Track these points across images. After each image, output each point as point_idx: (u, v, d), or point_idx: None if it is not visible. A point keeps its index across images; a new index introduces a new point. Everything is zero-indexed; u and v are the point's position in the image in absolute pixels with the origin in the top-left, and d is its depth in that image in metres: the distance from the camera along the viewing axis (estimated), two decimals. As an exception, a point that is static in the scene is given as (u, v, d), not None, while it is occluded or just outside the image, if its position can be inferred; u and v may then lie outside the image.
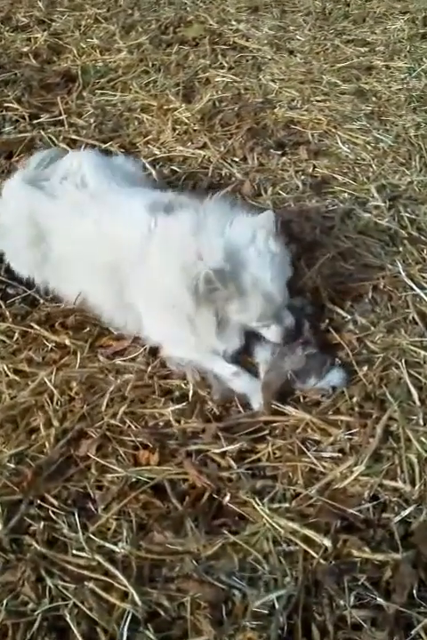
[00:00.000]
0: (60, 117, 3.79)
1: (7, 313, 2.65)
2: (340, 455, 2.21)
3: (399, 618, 1.80)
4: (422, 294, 2.78)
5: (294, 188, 3.39)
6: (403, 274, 2.86)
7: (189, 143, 3.68)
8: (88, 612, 1.80)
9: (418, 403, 2.37)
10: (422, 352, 2.54)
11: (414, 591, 1.84)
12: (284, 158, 3.60)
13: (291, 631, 1.77)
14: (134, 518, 2.02)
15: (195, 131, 3.76)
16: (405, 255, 3.00)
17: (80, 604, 1.81)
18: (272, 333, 2.43)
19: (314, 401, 2.38)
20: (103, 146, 3.54)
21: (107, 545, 1.95)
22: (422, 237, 3.12)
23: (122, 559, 1.92)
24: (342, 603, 1.82)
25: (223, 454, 2.20)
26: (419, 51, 4.71)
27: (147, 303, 2.48)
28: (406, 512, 2.04)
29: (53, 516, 2.01)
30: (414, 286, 2.81)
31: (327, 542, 1.94)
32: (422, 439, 2.24)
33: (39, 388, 2.38)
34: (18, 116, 3.79)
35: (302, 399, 2.39)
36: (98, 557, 1.91)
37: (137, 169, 3.06)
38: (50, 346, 2.55)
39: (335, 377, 2.42)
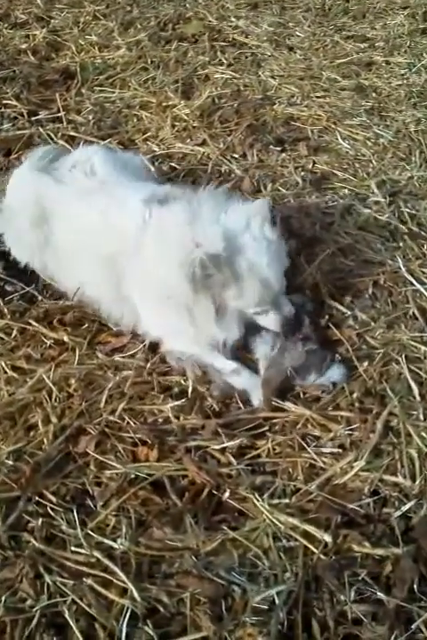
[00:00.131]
0: (59, 114, 3.78)
1: (5, 310, 2.65)
2: (340, 451, 2.20)
3: (400, 612, 1.79)
4: (423, 290, 2.77)
5: (294, 184, 3.38)
6: (403, 269, 2.85)
7: (189, 140, 3.67)
8: (87, 608, 1.79)
9: (418, 398, 2.36)
10: (423, 347, 2.53)
11: (415, 586, 1.84)
12: (283, 154, 3.59)
13: (291, 627, 1.77)
14: (133, 514, 2.01)
15: (194, 127, 3.76)
16: (405, 251, 3.00)
17: (79, 601, 1.81)
18: (271, 321, 2.41)
19: (314, 397, 2.37)
20: (102, 143, 3.52)
21: (106, 541, 1.95)
22: (423, 233, 3.11)
23: (121, 555, 1.91)
24: (342, 598, 1.82)
25: (223, 450, 2.19)
26: (419, 46, 4.70)
27: (143, 295, 2.48)
28: (407, 507, 2.03)
29: (52, 513, 2.01)
30: (415, 282, 2.80)
31: (328, 538, 1.93)
32: (423, 434, 2.23)
33: (37, 385, 2.37)
34: (16, 113, 3.79)
35: (301, 395, 2.38)
36: (97, 554, 1.91)
37: (144, 164, 3.11)
38: (48, 343, 2.54)
39: (336, 373, 2.41)
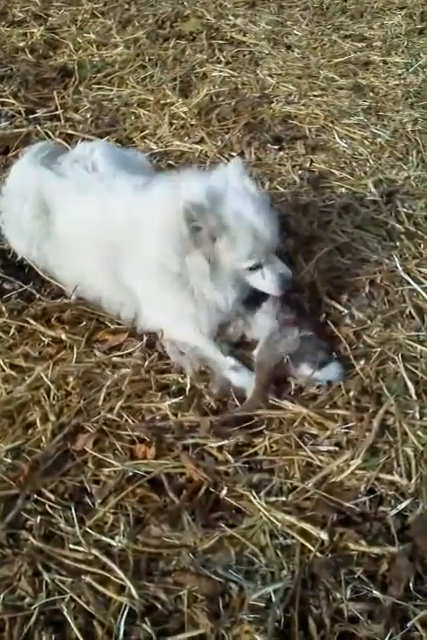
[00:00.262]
0: (57, 112, 3.79)
1: (3, 308, 2.65)
2: (336, 449, 2.21)
3: (396, 610, 1.81)
4: (419, 289, 2.78)
5: (292, 182, 3.39)
6: (400, 268, 2.86)
7: (186, 138, 3.68)
8: (85, 605, 1.80)
9: (414, 397, 2.38)
10: (419, 346, 2.54)
11: (411, 584, 1.85)
12: (281, 153, 3.60)
13: (288, 624, 1.78)
14: (131, 512, 2.02)
15: (192, 125, 3.76)
16: (402, 250, 3.01)
17: (77, 598, 1.81)
18: (269, 284, 2.41)
19: (311, 395, 2.39)
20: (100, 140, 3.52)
21: (104, 539, 1.95)
22: (419, 232, 3.13)
23: (119, 553, 1.92)
24: (338, 596, 1.83)
25: (220, 448, 2.20)
26: (416, 46, 4.72)
27: (141, 278, 2.50)
28: (403, 505, 2.04)
29: (50, 511, 2.01)
30: (411, 281, 2.82)
31: (324, 535, 1.95)
32: (419, 433, 2.25)
33: (36, 383, 2.37)
34: (14, 111, 3.79)
35: (298, 393, 2.39)
36: (95, 551, 1.91)
37: (146, 161, 3.17)
38: (46, 341, 2.54)
39: (332, 371, 2.42)
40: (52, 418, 2.26)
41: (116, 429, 2.25)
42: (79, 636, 1.74)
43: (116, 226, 2.50)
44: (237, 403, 2.36)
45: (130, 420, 2.27)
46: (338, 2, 5.30)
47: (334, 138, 3.72)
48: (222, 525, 2.00)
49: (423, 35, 4.86)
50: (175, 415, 2.30)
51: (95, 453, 2.17)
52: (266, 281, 2.41)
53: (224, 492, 2.08)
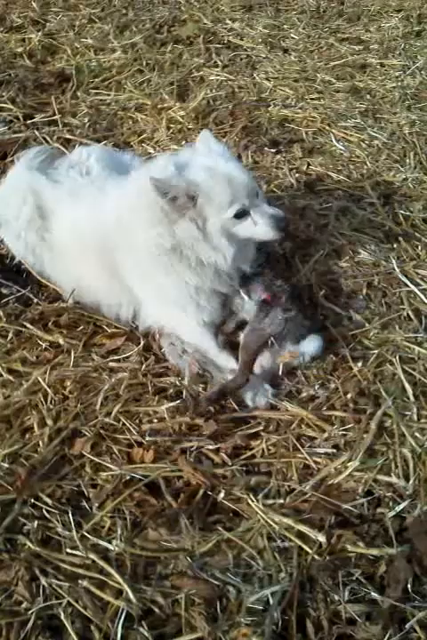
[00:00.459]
0: (55, 117, 3.80)
1: (1, 312, 2.65)
2: (334, 451, 2.21)
3: (394, 612, 1.81)
4: (417, 291, 2.78)
5: (289, 185, 3.39)
6: (397, 271, 2.86)
7: (184, 142, 3.67)
8: (82, 610, 1.80)
9: (412, 398, 2.37)
10: (417, 348, 2.54)
11: (409, 586, 1.85)
12: (278, 156, 3.60)
13: (286, 627, 1.78)
14: (129, 516, 2.02)
15: (189, 129, 3.77)
16: (399, 252, 3.01)
17: (74, 603, 1.81)
18: (262, 228, 2.40)
19: (309, 397, 2.38)
20: (97, 145, 3.53)
21: (101, 543, 1.95)
22: (417, 234, 3.13)
23: (116, 557, 1.92)
24: (336, 598, 1.83)
25: (218, 451, 2.20)
26: (413, 48, 4.73)
27: (137, 272, 2.51)
28: (401, 507, 2.04)
29: (47, 515, 2.01)
30: (409, 283, 2.82)
31: (322, 538, 1.95)
32: (417, 434, 2.25)
33: (33, 388, 2.37)
34: (12, 116, 3.80)
35: (296, 395, 2.39)
36: (92, 556, 1.91)
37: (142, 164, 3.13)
38: (44, 345, 2.55)
39: (310, 346, 2.44)
40: (50, 422, 2.26)
41: (114, 433, 2.24)
42: (76, 640, 1.74)
43: (107, 225, 2.52)
44: (236, 406, 2.35)
45: (127, 424, 2.26)
46: (335, 5, 5.32)
47: (332, 141, 3.73)
48: (220, 528, 1.99)
49: (420, 37, 4.88)
50: (173, 419, 2.29)
51: (93, 457, 2.17)
52: (259, 226, 2.40)
53: (222, 495, 2.08)
